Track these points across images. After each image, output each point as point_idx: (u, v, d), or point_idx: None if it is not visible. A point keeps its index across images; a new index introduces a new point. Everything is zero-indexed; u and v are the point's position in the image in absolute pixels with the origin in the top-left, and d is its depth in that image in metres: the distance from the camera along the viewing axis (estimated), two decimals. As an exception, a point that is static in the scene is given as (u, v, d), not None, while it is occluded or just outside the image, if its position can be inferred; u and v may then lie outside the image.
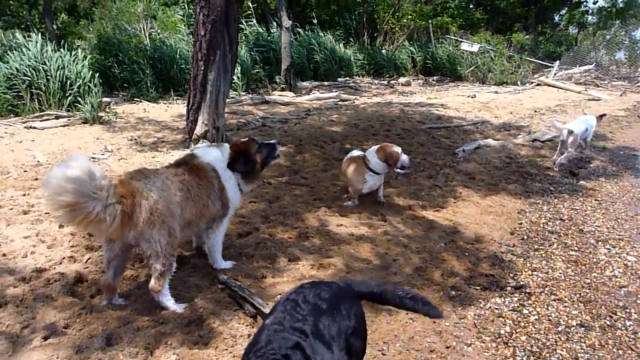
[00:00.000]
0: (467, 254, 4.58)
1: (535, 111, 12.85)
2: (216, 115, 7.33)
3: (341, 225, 4.96)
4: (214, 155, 3.88)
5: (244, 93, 13.80)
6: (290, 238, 4.60)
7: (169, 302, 3.36)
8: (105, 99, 10.95)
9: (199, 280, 3.76)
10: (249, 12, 17.65)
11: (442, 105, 12.98)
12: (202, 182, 3.67)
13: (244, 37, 16.93)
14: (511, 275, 4.35)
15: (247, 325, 3.25)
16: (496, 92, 16.54)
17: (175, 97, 12.69)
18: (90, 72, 10.05)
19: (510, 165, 7.64)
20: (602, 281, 4.36)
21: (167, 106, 11.69)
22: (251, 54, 15.98)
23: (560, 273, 4.44)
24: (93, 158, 6.93)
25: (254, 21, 17.58)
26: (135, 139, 8.18)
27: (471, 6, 28.42)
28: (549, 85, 18.65)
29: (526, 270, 4.46)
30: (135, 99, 12.26)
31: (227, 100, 12.47)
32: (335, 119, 10.42)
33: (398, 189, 6.13)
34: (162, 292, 3.33)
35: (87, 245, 4.24)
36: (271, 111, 11.55)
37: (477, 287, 4.06)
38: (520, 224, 5.54)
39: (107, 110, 10.20)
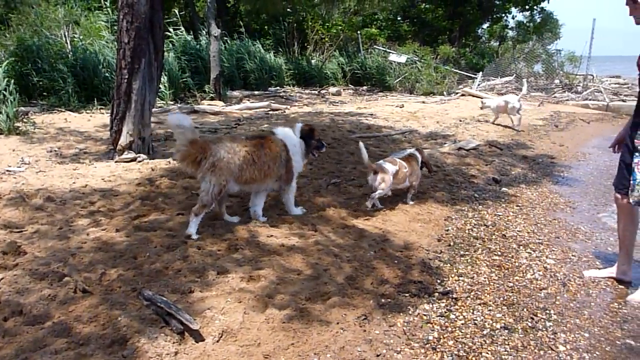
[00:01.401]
0: (396, 261, 4.64)
1: (460, 120, 13.30)
2: (142, 126, 7.13)
3: (272, 236, 4.90)
4: (287, 132, 5.35)
5: (172, 102, 13.53)
6: (220, 250, 4.50)
7: (192, 228, 4.73)
8: (22, 109, 10.43)
9: (122, 297, 3.60)
10: (176, 19, 17.30)
11: (371, 114, 13.20)
12: (270, 152, 5.06)
13: (171, 45, 16.62)
14: (439, 281, 4.44)
15: (174, 343, 3.13)
16: (423, 102, 17.02)
17: (99, 107, 12.25)
18: (6, 79, 9.51)
19: (437, 173, 7.84)
20: (524, 284, 4.53)
21: (90, 116, 11.26)
22: (179, 62, 15.69)
23: (484, 277, 4.58)
24: (8, 171, 6.55)
25: (182, 29, 17.27)
26: (56, 151, 7.80)
27: (399, 18, 29.18)
28: (473, 96, 19.37)
29: (453, 275, 4.57)
30: (56, 109, 11.75)
31: (154, 109, 12.18)
32: (266, 128, 10.35)
33: (328, 199, 6.14)
34: (197, 216, 4.76)
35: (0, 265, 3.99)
36: (200, 121, 11.35)
37: (407, 294, 4.11)
38: (447, 230, 5.68)
39: (24, 120, 9.70)
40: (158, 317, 3.38)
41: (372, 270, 4.41)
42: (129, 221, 5.01)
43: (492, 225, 5.98)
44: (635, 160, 4.32)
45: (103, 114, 11.46)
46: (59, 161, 7.26)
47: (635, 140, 4.34)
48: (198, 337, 3.21)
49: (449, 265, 4.78)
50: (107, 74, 13.08)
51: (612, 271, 4.84)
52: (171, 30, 17.18)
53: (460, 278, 4.53)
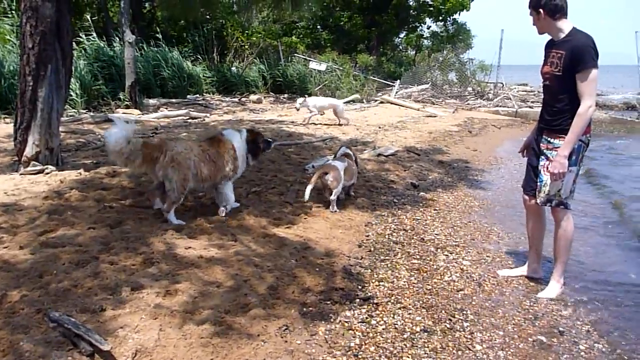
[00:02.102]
0: (318, 269, 4.61)
1: (380, 127, 13.57)
2: (49, 135, 6.73)
3: (190, 247, 4.73)
4: (234, 134, 5.78)
5: (84, 110, 12.93)
6: (134, 265, 4.29)
7: (173, 219, 5.27)
8: None
9: (25, 320, 3.34)
10: (89, 25, 16.60)
11: (292, 122, 13.22)
12: (221, 151, 5.53)
13: (83, 51, 15.92)
14: (360, 287, 4.45)
15: (82, 366, 2.94)
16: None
17: (3, 116, 11.50)
18: None
19: (358, 179, 7.91)
20: (442, 286, 4.63)
21: (-6, 126, 10.55)
22: (92, 69, 15.05)
23: (404, 281, 4.64)
24: None
25: (94, 35, 16.59)
26: (-47, 163, 7.22)
27: (318, 27, 29.50)
28: (392, 103, 19.88)
29: (374, 281, 4.60)
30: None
31: (65, 118, 11.61)
32: (184, 137, 10.09)
33: (248, 208, 6.04)
34: (170, 213, 5.25)
35: None
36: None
37: (328, 302, 4.08)
38: (368, 236, 5.73)
39: None
40: (65, 339, 3.16)
41: (294, 279, 4.36)
42: (35, 237, 4.69)
43: (411, 229, 6.10)
44: (541, 162, 4.54)
45: (8, 123, 10.76)
46: (-45, 175, 6.72)
47: (541, 145, 4.56)
48: (109, 358, 3.03)
49: (369, 270, 4.81)
50: (12, 81, 12.31)
51: (523, 270, 5.05)
52: (83, 36, 16.47)
53: (381, 283, 4.57)
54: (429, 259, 5.25)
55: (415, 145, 11.34)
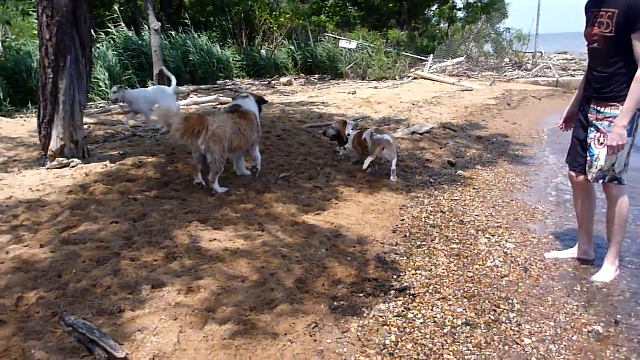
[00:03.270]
0: (349, 258, 4.34)
1: (414, 104, 13.11)
2: (73, 128, 6.61)
3: (215, 240, 4.52)
4: (250, 104, 6.24)
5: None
6: (156, 261, 4.10)
7: (218, 188, 5.71)
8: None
9: (40, 325, 3.18)
10: (117, 15, 16.55)
11: (323, 103, 12.88)
12: (248, 122, 5.97)
13: (112, 42, 15.89)
14: (395, 277, 4.15)
15: (97, 375, 2.75)
16: (376, 88, 16.80)
17: (34, 110, 11.50)
18: None
19: (391, 160, 7.57)
20: (485, 273, 4.29)
21: (25, 120, 10.59)
22: (121, 59, 15.01)
23: (443, 269, 4.32)
24: None
25: (123, 25, 16.53)
26: (-19, 160, 7.19)
27: (347, 4, 28.86)
28: (425, 79, 19.28)
29: (410, 270, 4.30)
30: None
31: (95, 110, 11.60)
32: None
33: (277, 194, 5.79)
34: (215, 183, 5.69)
35: None
36: (143, 119, 10.78)
37: (361, 295, 3.81)
38: (403, 220, 5.41)
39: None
40: (81, 345, 2.98)
41: (324, 271, 4.09)
42: (56, 234, 4.55)
43: (449, 211, 5.75)
44: (591, 135, 4.13)
45: (39, 117, 10.78)
46: (-17, 172, 6.68)
47: (589, 115, 4.15)
48: (125, 365, 2.83)
49: (405, 258, 4.51)
50: (42, 75, 12.34)
51: (573, 252, 4.66)
52: (112, 26, 16.44)
53: (418, 272, 4.26)
54: (469, 243, 4.90)
55: (451, 122, 10.88)
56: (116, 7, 17.30)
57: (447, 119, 11.17)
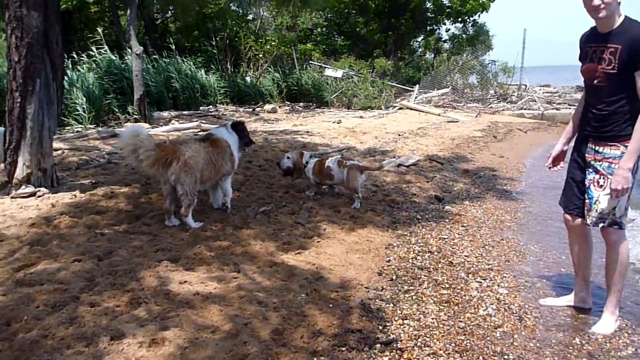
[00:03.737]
0: (331, 305, 3.99)
1: (399, 135, 12.91)
2: (41, 155, 6.23)
3: (185, 282, 4.15)
4: (224, 132, 5.87)
5: (92, 126, 12.50)
6: (119, 306, 3.71)
7: (192, 222, 5.36)
8: None
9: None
10: (99, 38, 16.25)
11: (307, 132, 12.62)
12: (220, 151, 5.62)
13: (94, 64, 15.57)
14: (380, 327, 3.81)
15: None
16: (361, 117, 16.62)
17: (7, 134, 11.09)
18: None
19: (377, 193, 7.29)
20: (477, 323, 3.97)
21: (-4, 144, 10.13)
22: (102, 82, 14.66)
23: (432, 318, 3.99)
24: None
25: (106, 48, 16.23)
26: (-58, 187, 6.75)
27: (334, 33, 28.95)
28: (411, 109, 19.19)
29: (396, 318, 3.95)
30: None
31: (71, 134, 11.20)
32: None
33: (255, 230, 5.45)
34: (188, 217, 5.33)
35: None
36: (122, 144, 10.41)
37: (343, 349, 3.45)
38: (389, 261, 5.08)
39: None
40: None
41: (303, 319, 3.74)
42: (10, 274, 4.14)
43: (438, 251, 5.44)
44: (589, 177, 3.88)
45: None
46: (-58, 200, 6.24)
47: (587, 155, 3.91)
48: None
49: (391, 305, 4.17)
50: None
51: (569, 299, 4.37)
52: (94, 49, 16.13)
53: (405, 321, 3.92)
54: (459, 287, 4.58)
55: (437, 153, 10.67)
56: (99, 30, 16.94)
57: (433, 151, 10.96)
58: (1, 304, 3.64)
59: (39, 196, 6.20)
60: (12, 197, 6.19)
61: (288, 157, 6.81)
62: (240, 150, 6.08)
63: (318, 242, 5.30)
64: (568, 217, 4.17)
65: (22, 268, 4.29)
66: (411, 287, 4.52)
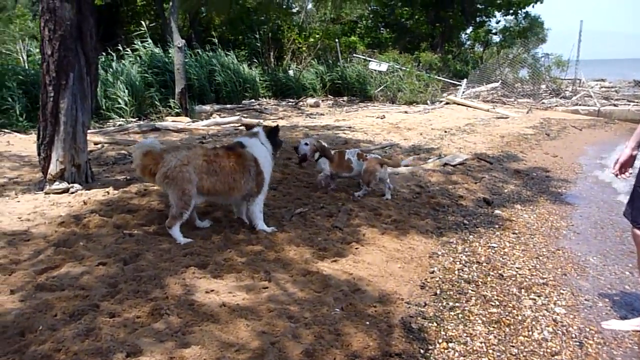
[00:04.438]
0: (368, 322, 3.64)
1: (445, 131, 12.39)
2: (75, 151, 6.09)
3: (212, 291, 3.87)
4: (254, 143, 5.11)
5: (134, 119, 12.47)
6: (139, 317, 3.46)
7: (177, 235, 4.72)
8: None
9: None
10: (144, 31, 16.27)
11: (349, 127, 12.24)
12: (236, 163, 4.88)
13: (138, 58, 15.59)
14: (423, 350, 3.44)
15: None
16: (406, 112, 16.12)
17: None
18: None
19: (421, 195, 6.87)
20: (531, 349, 3.54)
21: (38, 137, 10.18)
22: (145, 76, 14.66)
23: (481, 342, 3.58)
24: None
25: (150, 41, 16.24)
26: (-23, 181, 6.72)
27: (379, 25, 28.35)
28: (458, 104, 18.54)
29: (440, 341, 3.57)
30: (2, 130, 10.64)
31: (112, 128, 11.17)
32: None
33: (290, 234, 5.13)
34: (172, 228, 4.71)
35: None
36: (161, 139, 10.30)
37: (380, 376, 3.10)
38: (432, 272, 4.68)
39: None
40: None
41: (338, 339, 3.40)
42: (32, 277, 3.96)
43: (486, 261, 5.00)
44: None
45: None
46: (-22, 195, 6.19)
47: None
48: None
49: (435, 324, 3.78)
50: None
51: (636, 323, 3.89)
52: (138, 42, 16.18)
53: (450, 344, 3.53)
54: (511, 305, 4.15)
55: (486, 152, 10.13)
56: (143, 23, 16.98)
57: (481, 149, 10.42)
58: (18, 311, 3.44)
59: (72, 193, 6.07)
60: (45, 193, 6.09)
61: (306, 144, 6.51)
62: (273, 158, 5.38)
63: (356, 248, 4.95)
64: (637, 231, 3.69)
65: (45, 271, 4.10)
66: (457, 304, 4.12)
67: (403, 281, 4.41)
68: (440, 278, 4.57)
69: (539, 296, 4.33)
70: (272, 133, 5.30)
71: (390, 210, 6.12)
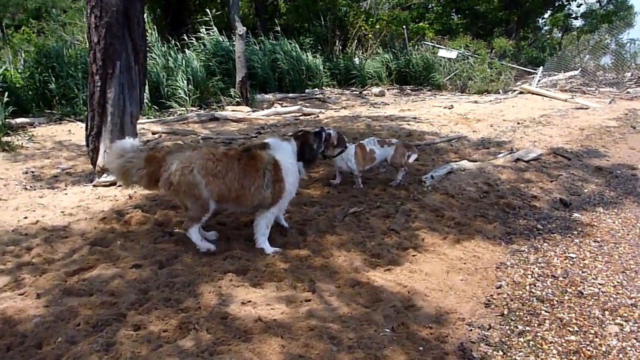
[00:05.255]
0: (422, 347, 3.16)
1: (518, 123, 11.52)
2: (123, 142, 5.89)
3: (249, 302, 3.51)
4: (282, 146, 4.41)
5: (194, 108, 12.38)
6: (165, 332, 3.14)
7: (195, 238, 4.20)
8: (20, 120, 9.55)
9: None
10: (208, 19, 16.19)
11: (414, 118, 11.61)
12: (248, 168, 4.19)
13: (202, 46, 15.53)
14: (485, 387, 2.93)
15: None
16: (476, 102, 15.24)
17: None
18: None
19: (489, 195, 6.25)
20: (619, 391, 2.96)
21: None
22: (209, 64, 14.57)
23: (556, 379, 3.04)
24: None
25: (215, 29, 16.15)
26: (33, 172, 6.69)
27: (452, 10, 27.20)
28: (533, 93, 17.39)
29: (507, 375, 3.05)
30: (66, 118, 10.78)
31: (171, 118, 11.09)
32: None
33: (341, 237, 4.71)
34: (189, 230, 4.18)
35: None
36: (219, 129, 10.12)
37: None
38: (500, 287, 4.12)
39: (20, 133, 8.73)
40: None
41: (384, 367, 2.96)
42: (62, 279, 3.75)
43: (563, 275, 4.38)
44: None
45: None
46: (29, 185, 6.15)
47: None
48: None
49: (501, 353, 3.25)
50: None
51: None
52: (203, 31, 16.12)
53: (519, 381, 3.01)
54: (592, 331, 3.55)
55: (563, 146, 9.27)
56: (208, 11, 16.91)
57: (558, 143, 9.56)
58: (39, 318, 3.21)
59: (119, 185, 5.89)
60: (94, 186, 5.95)
61: (329, 133, 5.68)
62: (307, 169, 4.77)
63: (413, 255, 4.46)
64: None
65: (77, 272, 3.89)
66: (527, 328, 3.56)
67: (465, 297, 3.89)
68: (508, 294, 4.00)
69: (626, 321, 3.69)
70: (304, 146, 4.60)
71: (454, 211, 5.58)
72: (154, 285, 3.69)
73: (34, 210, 5.17)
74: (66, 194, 5.74)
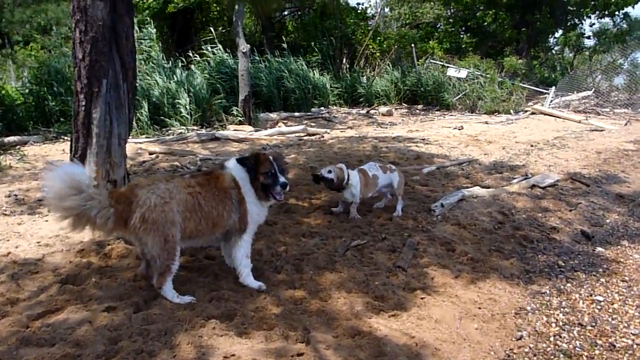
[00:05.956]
0: (431, 418, 2.68)
1: (532, 145, 11.05)
2: (110, 166, 5.46)
3: (232, 356, 3.05)
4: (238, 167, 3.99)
5: (196, 127, 12.00)
6: (131, 396, 2.68)
7: (171, 295, 3.66)
8: (13, 138, 9.22)
9: None
10: (212, 37, 15.91)
11: (423, 139, 11.16)
12: (218, 192, 3.85)
13: (206, 64, 15.23)
14: None
15: None
16: (486, 123, 14.78)
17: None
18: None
19: (504, 225, 5.77)
20: None
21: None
22: (212, 82, 14.24)
23: None
24: None
25: (219, 47, 15.86)
26: (17, 195, 6.28)
27: (461, 29, 26.82)
28: (545, 114, 16.94)
29: None
30: (62, 137, 10.44)
31: (170, 137, 10.70)
32: (291, 160, 8.56)
33: (341, 275, 4.25)
34: (163, 288, 3.66)
35: None
36: (219, 150, 9.71)
37: None
38: (520, 338, 3.62)
39: (12, 152, 8.37)
40: None
41: None
42: (24, 324, 3.30)
43: (591, 323, 3.88)
44: None
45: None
46: (10, 210, 5.73)
47: None
48: None
49: None
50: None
51: None
52: (208, 48, 15.84)
53: None
54: (631, 397, 3.05)
55: (580, 171, 8.78)
56: (212, 29, 16.65)
57: (575, 167, 9.07)
58: (-14, 377, 2.77)
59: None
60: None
61: (330, 171, 5.47)
62: (264, 199, 4.04)
63: (422, 298, 3.99)
64: None
65: (41, 316, 3.44)
66: (555, 392, 3.07)
67: (481, 351, 3.40)
68: (530, 348, 3.51)
69: (668, 383, 3.19)
70: (245, 161, 4.04)
71: (466, 244, 5.11)
72: (126, 333, 3.24)
73: (8, 240, 4.76)
74: (46, 220, 5.33)
